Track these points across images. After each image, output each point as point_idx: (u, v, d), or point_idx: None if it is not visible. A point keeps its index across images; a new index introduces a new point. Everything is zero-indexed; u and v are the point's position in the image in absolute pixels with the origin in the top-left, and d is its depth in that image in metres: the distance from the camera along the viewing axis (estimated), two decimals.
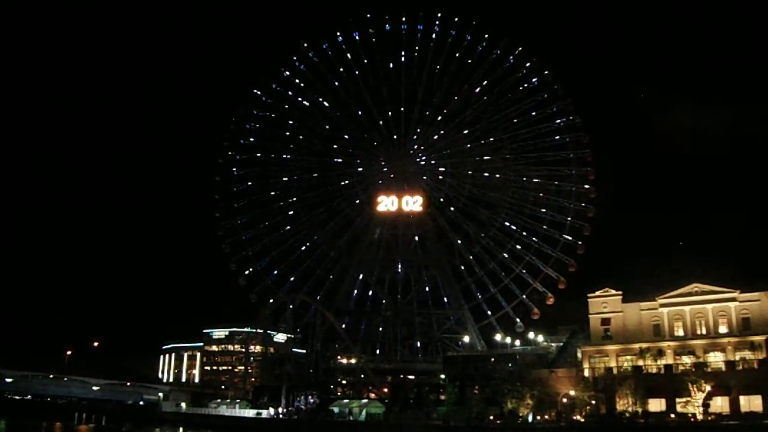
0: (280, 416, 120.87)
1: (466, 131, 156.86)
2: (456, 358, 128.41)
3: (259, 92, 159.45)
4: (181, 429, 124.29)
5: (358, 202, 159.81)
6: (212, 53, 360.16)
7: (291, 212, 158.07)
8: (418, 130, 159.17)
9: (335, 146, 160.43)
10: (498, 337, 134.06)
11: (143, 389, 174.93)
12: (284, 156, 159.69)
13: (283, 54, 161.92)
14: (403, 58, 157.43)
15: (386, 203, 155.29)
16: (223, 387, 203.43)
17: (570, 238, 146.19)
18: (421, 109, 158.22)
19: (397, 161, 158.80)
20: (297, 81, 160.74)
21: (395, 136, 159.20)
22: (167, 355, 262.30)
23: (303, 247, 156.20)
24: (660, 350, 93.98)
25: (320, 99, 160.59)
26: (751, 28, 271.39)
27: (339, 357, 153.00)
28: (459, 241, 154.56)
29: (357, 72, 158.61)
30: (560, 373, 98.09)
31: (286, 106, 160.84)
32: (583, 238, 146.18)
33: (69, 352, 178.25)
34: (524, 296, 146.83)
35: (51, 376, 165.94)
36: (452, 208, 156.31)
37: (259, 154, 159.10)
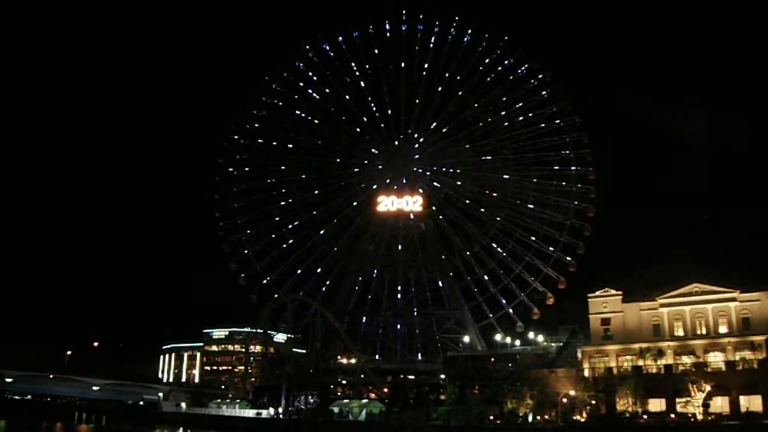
0: (280, 416, 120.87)
1: (466, 131, 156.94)
2: (456, 358, 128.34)
3: (259, 92, 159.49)
4: (181, 429, 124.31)
5: (358, 202, 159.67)
6: (212, 53, 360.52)
7: (291, 212, 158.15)
8: (418, 130, 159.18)
9: (335, 146, 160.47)
10: (498, 337, 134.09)
11: (143, 389, 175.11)
12: (284, 156, 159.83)
13: (283, 54, 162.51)
14: (403, 59, 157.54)
15: (386, 203, 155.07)
16: (223, 387, 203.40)
17: (570, 238, 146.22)
18: (421, 109, 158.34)
19: (397, 161, 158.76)
20: (297, 81, 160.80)
21: (395, 136, 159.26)
22: (167, 355, 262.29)
23: (303, 248, 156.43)
24: (660, 350, 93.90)
25: (320, 99, 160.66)
26: (752, 30, 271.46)
27: (339, 357, 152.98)
28: (459, 241, 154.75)
29: (357, 72, 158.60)
30: (560, 373, 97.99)
31: (286, 106, 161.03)
32: (583, 238, 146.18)
33: (69, 352, 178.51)
34: (524, 296, 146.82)
35: (51, 376, 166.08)
36: (452, 208, 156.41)
37: (259, 155, 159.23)
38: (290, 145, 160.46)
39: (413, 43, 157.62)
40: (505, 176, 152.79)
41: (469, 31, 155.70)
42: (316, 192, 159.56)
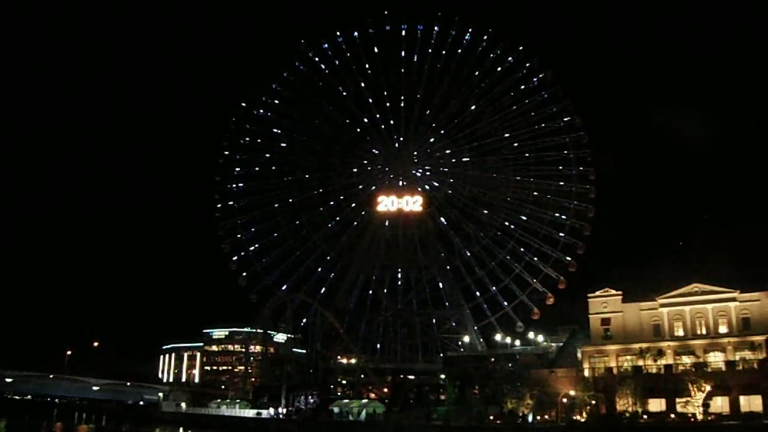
0: (280, 416, 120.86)
1: (466, 131, 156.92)
2: (456, 358, 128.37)
3: (258, 92, 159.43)
4: (181, 429, 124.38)
5: (357, 202, 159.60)
6: (212, 53, 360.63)
7: (291, 212, 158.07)
8: (418, 130, 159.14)
9: (335, 146, 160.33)
10: (498, 337, 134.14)
11: (143, 389, 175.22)
12: (284, 156, 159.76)
13: (283, 54, 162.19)
14: (403, 59, 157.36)
15: (386, 203, 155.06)
16: (223, 387, 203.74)
17: (570, 238, 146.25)
18: (421, 109, 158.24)
19: (397, 161, 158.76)
20: (297, 81, 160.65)
21: (395, 136, 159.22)
22: (167, 355, 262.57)
23: (303, 247, 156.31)
24: (660, 350, 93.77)
25: (320, 99, 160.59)
26: (752, 31, 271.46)
27: (339, 357, 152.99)
28: (459, 241, 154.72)
29: (357, 72, 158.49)
30: (560, 373, 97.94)
31: (286, 106, 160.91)
32: (583, 238, 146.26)
33: (69, 352, 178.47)
34: (524, 296, 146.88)
35: (51, 376, 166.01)
36: (452, 208, 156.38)
37: (259, 154, 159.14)
38: (290, 145, 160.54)
39: (413, 43, 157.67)
40: (505, 176, 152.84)
41: (469, 31, 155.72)
42: (316, 192, 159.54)
